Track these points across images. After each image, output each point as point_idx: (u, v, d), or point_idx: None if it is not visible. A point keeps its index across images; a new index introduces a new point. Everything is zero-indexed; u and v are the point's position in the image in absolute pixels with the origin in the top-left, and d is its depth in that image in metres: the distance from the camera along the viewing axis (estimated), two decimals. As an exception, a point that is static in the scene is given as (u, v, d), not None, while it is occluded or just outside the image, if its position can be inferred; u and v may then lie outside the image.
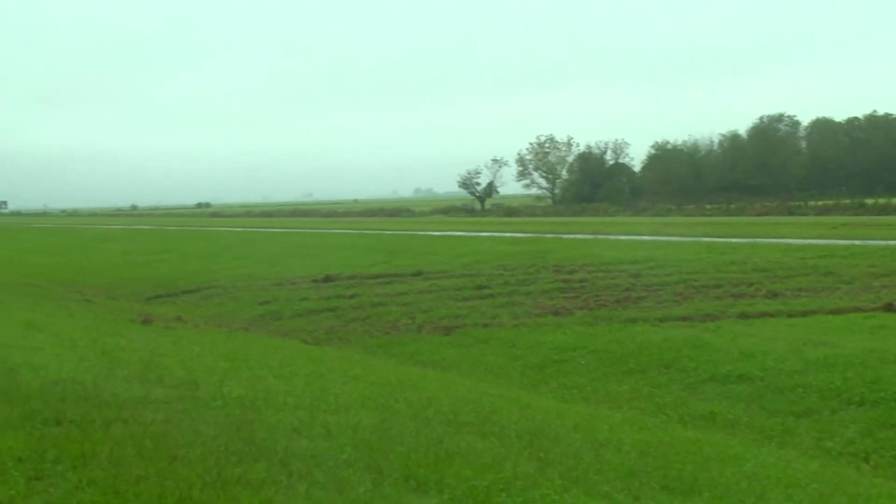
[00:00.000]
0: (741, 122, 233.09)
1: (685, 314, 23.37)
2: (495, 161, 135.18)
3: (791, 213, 73.68)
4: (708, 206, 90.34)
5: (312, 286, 34.71)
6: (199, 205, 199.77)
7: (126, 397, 9.81)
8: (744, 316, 22.64)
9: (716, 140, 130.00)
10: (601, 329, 22.27)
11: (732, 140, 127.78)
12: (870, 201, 75.18)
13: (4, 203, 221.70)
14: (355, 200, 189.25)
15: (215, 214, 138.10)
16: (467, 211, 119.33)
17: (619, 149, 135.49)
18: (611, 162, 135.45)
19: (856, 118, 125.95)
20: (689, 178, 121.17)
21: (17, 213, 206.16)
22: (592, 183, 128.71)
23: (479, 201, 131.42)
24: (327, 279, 35.78)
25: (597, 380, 18.20)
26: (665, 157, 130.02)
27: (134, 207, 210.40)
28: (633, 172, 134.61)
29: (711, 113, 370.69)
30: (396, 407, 11.37)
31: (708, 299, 25.35)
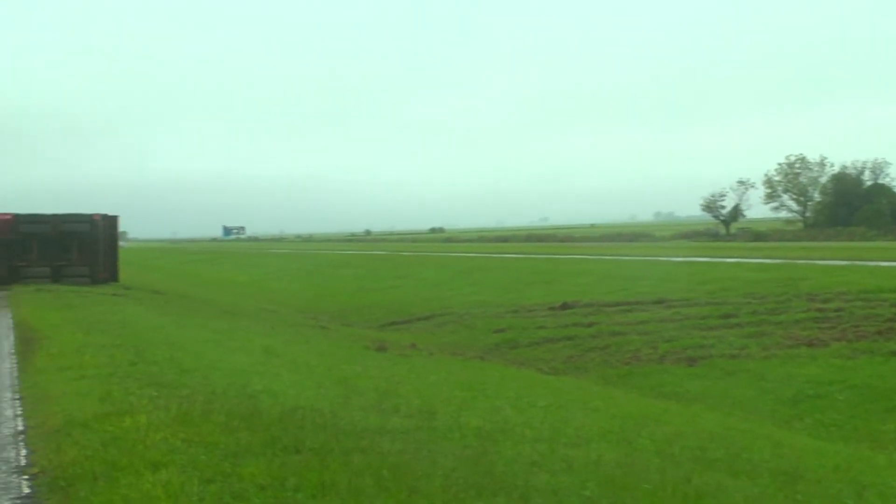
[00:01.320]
0: None
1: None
2: (741, 183, 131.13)
3: None
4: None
5: (549, 314, 34.80)
6: (433, 230, 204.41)
7: (363, 426, 10.13)
8: None
9: None
10: (861, 362, 21.27)
11: None
12: None
13: (242, 228, 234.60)
14: (592, 225, 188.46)
15: (449, 240, 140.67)
16: (711, 235, 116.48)
17: (878, 168, 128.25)
18: (869, 183, 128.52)
19: None
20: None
21: (255, 239, 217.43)
22: (848, 205, 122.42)
23: (724, 225, 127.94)
24: (564, 306, 35.79)
25: (857, 417, 17.39)
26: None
27: (367, 232, 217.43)
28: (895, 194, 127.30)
29: None
30: (640, 442, 11.23)
31: None
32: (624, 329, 29.37)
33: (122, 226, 44.81)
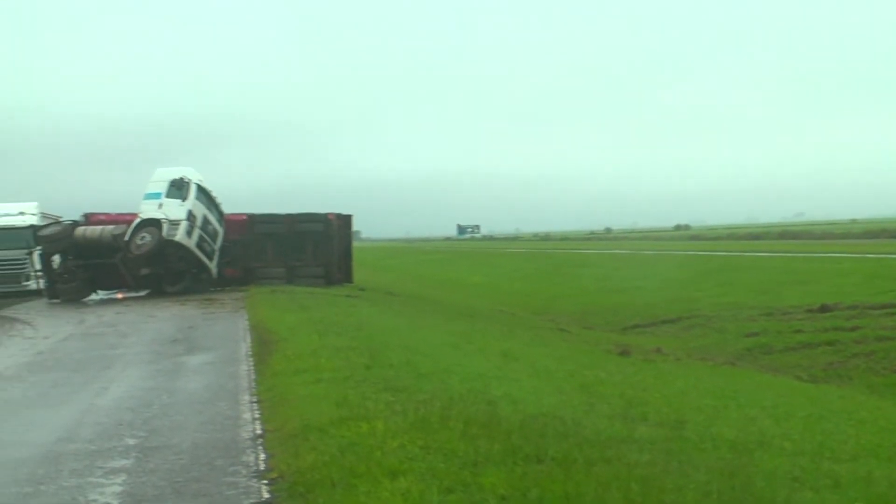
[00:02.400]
0: None
1: None
2: None
3: None
4: None
5: (806, 316, 33.55)
6: (678, 227, 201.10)
7: (608, 435, 10.00)
8: None
9: None
10: None
11: None
12: None
13: (477, 227, 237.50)
14: (853, 220, 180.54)
15: (695, 237, 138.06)
16: None
17: None
18: None
19: None
20: None
21: (490, 238, 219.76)
22: None
23: None
24: (823, 309, 34.37)
25: None
26: None
27: (608, 230, 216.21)
28: None
29: None
30: (919, 459, 10.62)
31: None
32: (892, 334, 27.96)
33: (356, 225, 45.93)
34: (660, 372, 20.14)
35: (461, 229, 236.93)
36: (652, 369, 20.74)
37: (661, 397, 14.58)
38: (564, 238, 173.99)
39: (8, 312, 32.87)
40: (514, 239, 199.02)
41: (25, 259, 41.89)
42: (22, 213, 43.94)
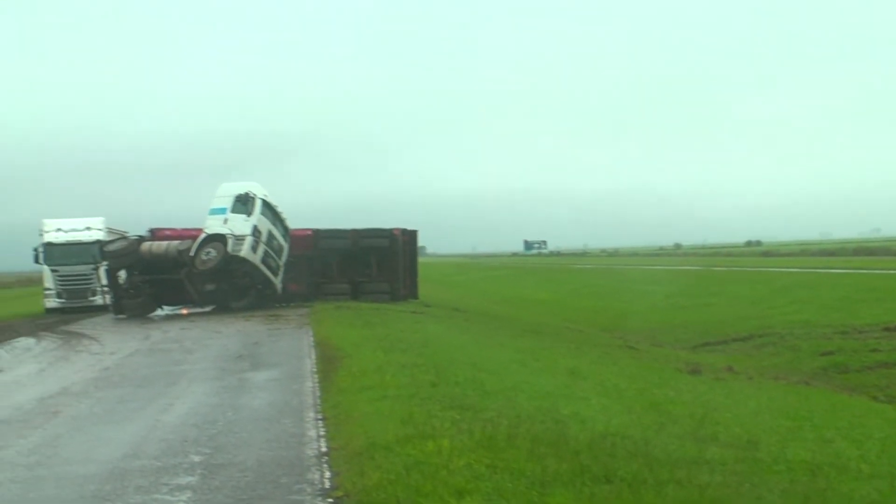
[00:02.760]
0: None
1: None
2: None
3: None
4: None
5: (883, 335, 32.99)
6: (749, 243, 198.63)
7: (678, 456, 9.92)
8: None
9: None
10: None
11: None
12: None
13: (544, 243, 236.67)
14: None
15: (766, 253, 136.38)
16: None
17: None
18: None
19: None
20: None
21: (557, 253, 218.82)
22: None
23: None
24: (902, 328, 33.81)
25: None
26: None
27: (677, 246, 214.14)
28: None
29: None
30: None
31: None
32: (974, 353, 27.44)
33: (421, 240, 45.95)
34: (731, 391, 19.92)
35: (528, 245, 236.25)
36: (723, 388, 20.53)
37: (732, 417, 14.43)
38: (633, 254, 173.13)
39: (75, 328, 33.44)
40: (582, 255, 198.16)
41: (92, 274, 42.62)
42: (88, 229, 44.69)
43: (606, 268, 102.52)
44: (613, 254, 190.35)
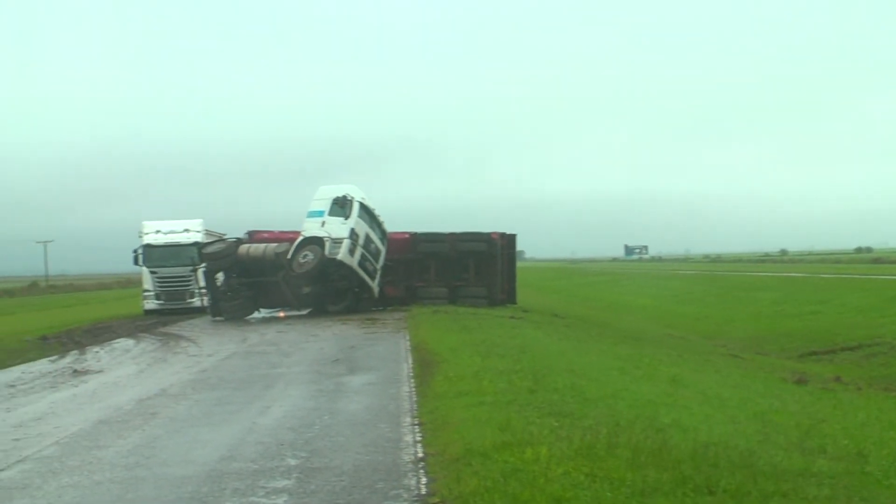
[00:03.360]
0: None
1: None
2: None
3: None
4: None
5: None
6: (859, 249, 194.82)
7: (784, 468, 9.76)
8: None
9: None
10: None
11: None
12: None
13: (645, 248, 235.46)
14: None
15: (877, 260, 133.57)
16: None
17: None
18: None
19: None
20: None
21: (658, 259, 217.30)
22: None
23: None
24: None
25: None
26: None
27: (783, 252, 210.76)
28: None
29: None
30: None
31: None
32: None
33: (520, 244, 45.77)
34: (839, 402, 19.52)
35: (628, 250, 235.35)
36: (830, 399, 20.13)
37: (840, 429, 14.15)
38: (736, 260, 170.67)
39: (173, 329, 34.08)
40: (684, 260, 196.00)
41: (190, 276, 43.37)
42: (187, 231, 45.48)
43: (709, 274, 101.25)
44: (716, 259, 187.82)
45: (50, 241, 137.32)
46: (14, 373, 22.74)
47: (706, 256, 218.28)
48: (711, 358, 29.94)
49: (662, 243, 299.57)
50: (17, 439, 13.32)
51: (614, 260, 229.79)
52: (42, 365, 24.33)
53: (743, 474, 8.90)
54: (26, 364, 24.53)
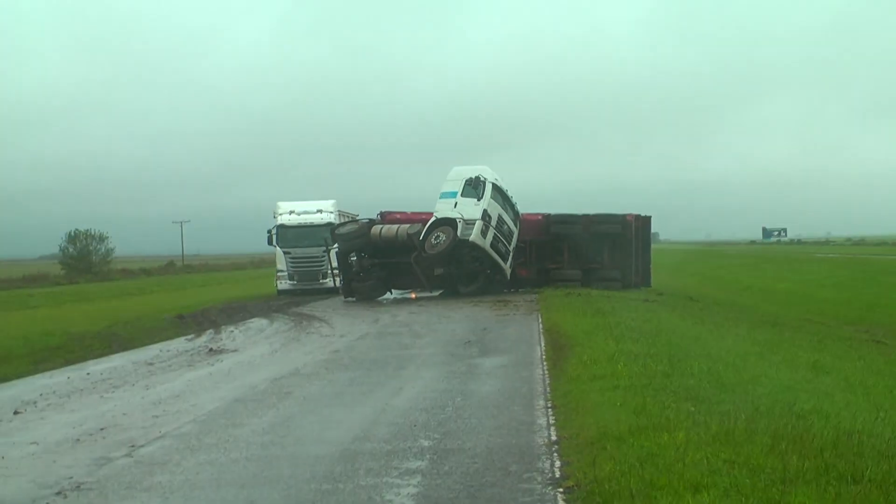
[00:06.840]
0: None
1: None
2: None
3: None
4: None
5: None
6: None
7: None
8: None
9: None
10: None
11: None
12: None
13: (784, 231, 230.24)
14: None
15: None
16: None
17: None
18: None
19: None
20: None
21: (798, 242, 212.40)
22: None
23: None
24: None
25: None
26: None
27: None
28: None
29: None
30: None
31: None
32: None
33: (654, 226, 45.23)
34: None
35: (766, 233, 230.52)
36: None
37: None
38: (881, 243, 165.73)
39: (305, 310, 34.64)
40: (825, 243, 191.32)
41: (323, 257, 43.93)
42: (320, 211, 46.15)
43: (852, 257, 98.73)
44: (859, 242, 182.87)
45: (186, 221, 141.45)
46: (153, 350, 23.40)
47: (849, 239, 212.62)
48: (854, 344, 29.18)
49: (802, 226, 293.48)
50: (156, 416, 13.71)
51: (752, 242, 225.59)
52: (179, 343, 24.98)
53: (890, 464, 8.66)
54: (164, 342, 25.21)
